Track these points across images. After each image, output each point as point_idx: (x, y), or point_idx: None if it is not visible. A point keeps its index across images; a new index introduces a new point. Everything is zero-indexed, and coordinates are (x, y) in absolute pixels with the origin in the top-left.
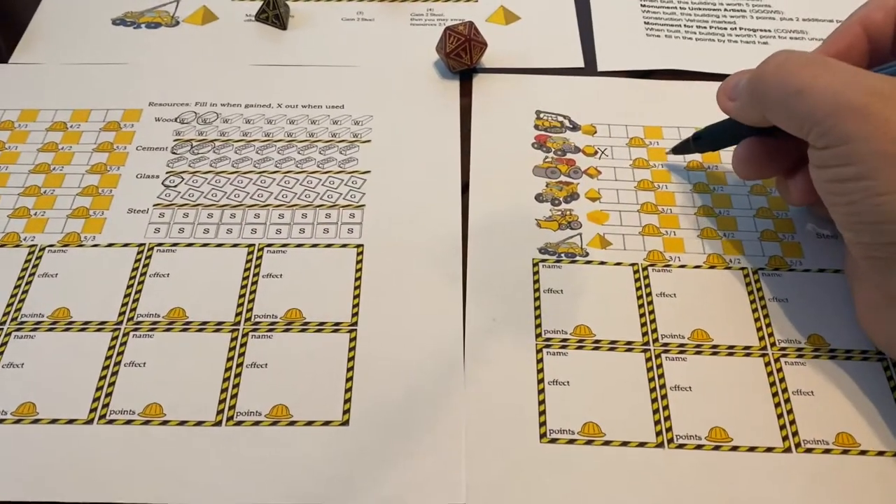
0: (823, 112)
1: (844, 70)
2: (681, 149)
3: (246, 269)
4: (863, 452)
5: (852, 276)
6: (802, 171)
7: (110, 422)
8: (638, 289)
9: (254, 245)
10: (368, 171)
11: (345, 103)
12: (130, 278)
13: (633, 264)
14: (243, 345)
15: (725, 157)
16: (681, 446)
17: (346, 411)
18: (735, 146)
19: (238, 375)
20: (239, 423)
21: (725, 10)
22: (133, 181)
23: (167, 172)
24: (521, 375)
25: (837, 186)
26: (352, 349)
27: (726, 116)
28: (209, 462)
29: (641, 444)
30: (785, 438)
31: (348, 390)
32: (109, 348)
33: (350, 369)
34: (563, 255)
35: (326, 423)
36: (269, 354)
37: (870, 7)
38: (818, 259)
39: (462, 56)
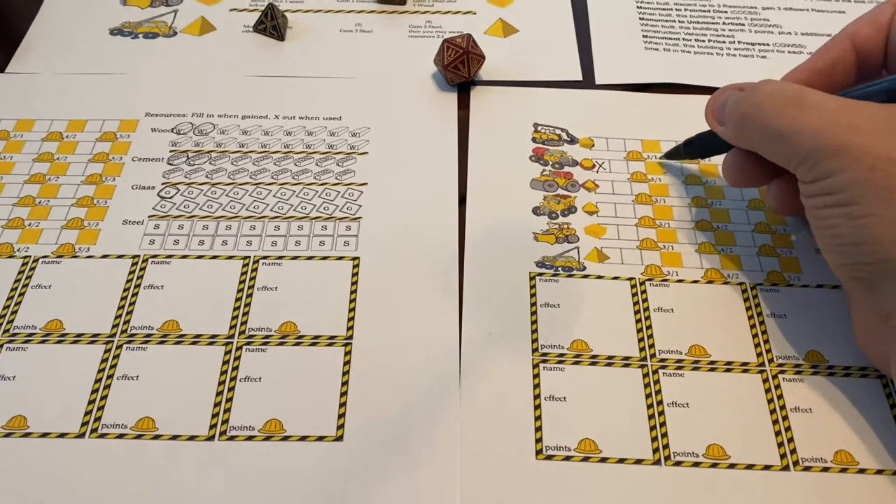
0: (805, 153)
1: (821, 108)
2: (673, 154)
3: (241, 282)
4: (861, 471)
5: (849, 296)
6: (778, 179)
7: (102, 436)
8: (635, 303)
9: (249, 257)
10: (365, 183)
11: (342, 115)
12: (124, 290)
13: (630, 279)
14: (237, 358)
15: None
16: (678, 463)
17: (341, 426)
18: (724, 156)
19: (231, 389)
20: (232, 438)
21: (724, 23)
22: (128, 192)
23: (163, 183)
24: (518, 390)
25: (823, 212)
26: (347, 363)
27: None
28: (201, 477)
29: (638, 461)
30: (783, 456)
31: (343, 405)
32: (102, 361)
33: (345, 383)
34: (560, 268)
35: (320, 438)
36: (264, 368)
37: (860, 22)
38: (816, 274)
39: (460, 68)
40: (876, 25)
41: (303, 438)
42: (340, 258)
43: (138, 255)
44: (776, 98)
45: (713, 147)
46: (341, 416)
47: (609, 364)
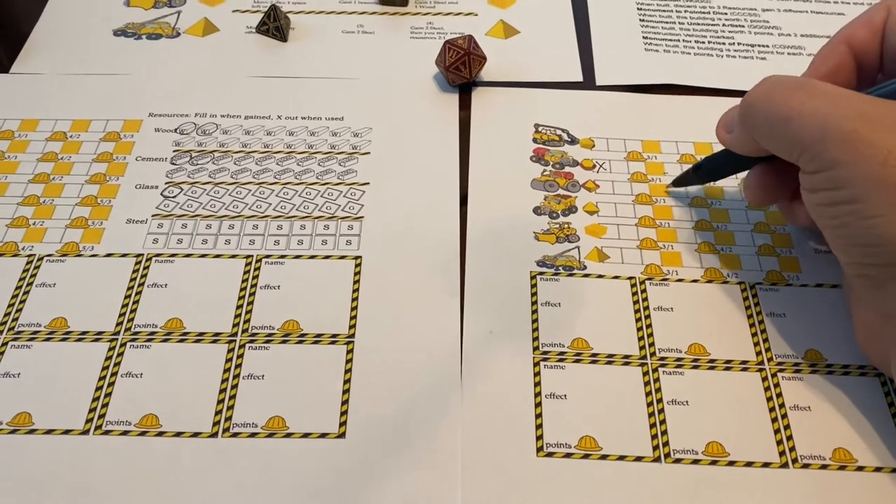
0: (811, 138)
1: (830, 94)
2: (681, 181)
3: (244, 280)
4: (860, 468)
5: (849, 295)
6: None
7: (106, 433)
8: (635, 302)
9: (252, 256)
10: (367, 183)
11: (344, 115)
12: (128, 288)
13: (630, 278)
14: (240, 356)
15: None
16: (678, 461)
17: (343, 423)
18: (744, 174)
19: (235, 387)
20: (235, 435)
21: (724, 25)
22: (132, 191)
23: (166, 183)
24: (518, 388)
25: (828, 210)
26: (349, 361)
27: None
28: (205, 474)
29: (638, 459)
30: (782, 454)
31: (345, 402)
32: (106, 359)
33: (347, 381)
34: (560, 268)
35: (323, 436)
36: (266, 366)
37: (855, 25)
38: (816, 274)
39: (461, 69)
40: (871, 28)
41: (305, 435)
42: (343, 257)
43: (142, 254)
44: (785, 83)
45: (723, 169)
46: (343, 413)
47: (609, 362)
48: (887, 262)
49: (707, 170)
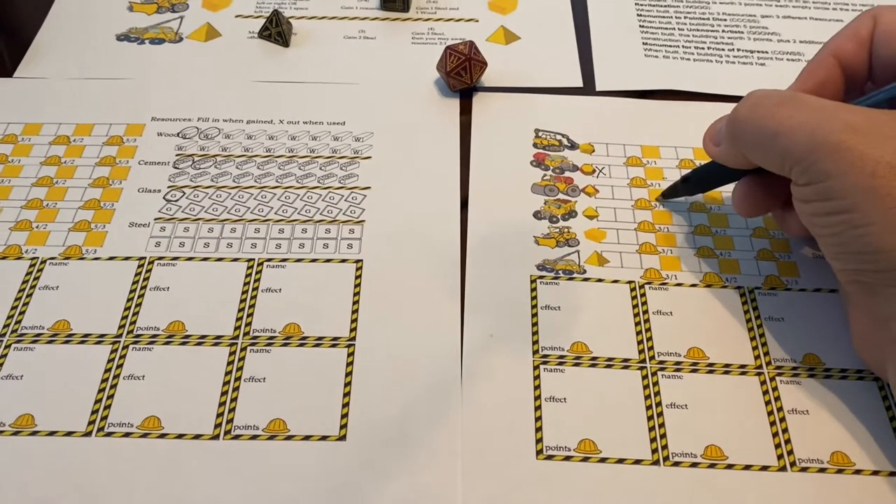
0: (801, 151)
1: (819, 107)
2: (670, 193)
3: (245, 284)
4: (857, 472)
5: (846, 300)
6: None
7: (108, 434)
8: (635, 306)
9: (253, 259)
10: (368, 187)
11: (346, 120)
12: (131, 291)
13: (630, 282)
14: (242, 359)
15: None
16: (676, 464)
17: (344, 426)
18: (734, 186)
19: (236, 389)
20: (236, 437)
21: (723, 31)
22: (135, 195)
23: (169, 187)
24: (518, 392)
25: (821, 219)
26: (350, 364)
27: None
28: (206, 476)
29: (637, 462)
30: (780, 457)
31: (346, 405)
32: (109, 361)
33: (348, 384)
34: (560, 272)
35: (323, 438)
36: (268, 369)
37: (842, 38)
38: (814, 279)
39: (462, 75)
40: (857, 40)
41: (306, 438)
42: (344, 261)
43: (144, 257)
44: (771, 97)
45: (711, 181)
46: (344, 416)
47: (609, 366)
48: (880, 269)
49: (695, 181)
